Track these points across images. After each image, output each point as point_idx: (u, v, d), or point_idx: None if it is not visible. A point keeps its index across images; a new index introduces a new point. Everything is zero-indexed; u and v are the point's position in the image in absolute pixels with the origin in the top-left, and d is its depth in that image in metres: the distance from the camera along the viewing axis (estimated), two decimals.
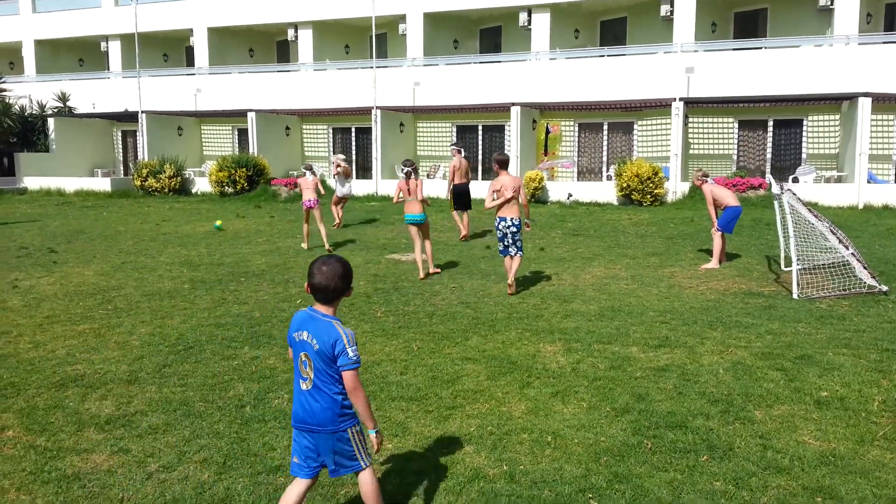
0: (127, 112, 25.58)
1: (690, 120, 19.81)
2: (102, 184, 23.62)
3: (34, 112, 26.53)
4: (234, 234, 14.15)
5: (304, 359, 3.14)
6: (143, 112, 24.32)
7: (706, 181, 10.41)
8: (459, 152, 13.77)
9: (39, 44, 30.77)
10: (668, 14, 21.32)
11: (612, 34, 24.05)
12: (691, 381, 5.29)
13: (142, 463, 4.04)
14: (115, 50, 29.44)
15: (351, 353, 3.05)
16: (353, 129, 24.03)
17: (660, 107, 19.42)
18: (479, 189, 18.41)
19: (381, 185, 21.50)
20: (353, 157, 24.19)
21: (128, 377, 5.48)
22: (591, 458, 4.06)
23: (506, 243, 8.46)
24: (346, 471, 3.19)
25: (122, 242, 12.95)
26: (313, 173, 12.68)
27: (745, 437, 4.29)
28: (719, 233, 9.98)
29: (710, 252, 10.50)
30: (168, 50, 30.69)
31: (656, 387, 5.16)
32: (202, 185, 23.16)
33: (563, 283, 8.99)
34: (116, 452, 4.17)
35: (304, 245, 12.29)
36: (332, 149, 24.64)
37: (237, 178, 21.43)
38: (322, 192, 12.65)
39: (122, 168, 27.54)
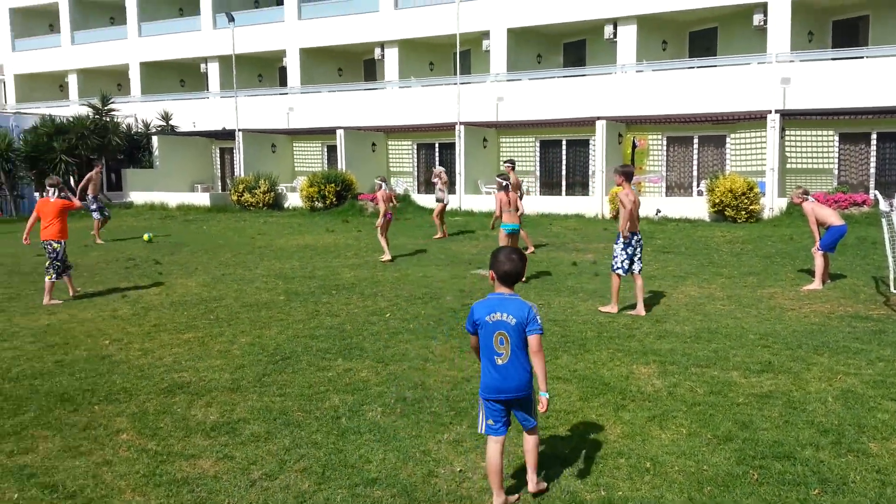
0: (225, 130, 26.85)
1: (787, 133, 18.98)
2: (202, 198, 24.83)
3: (139, 130, 28.22)
4: (325, 248, 14.54)
5: (500, 337, 3.66)
6: (239, 130, 25.45)
7: (807, 199, 9.92)
8: (513, 170, 13.85)
9: (145, 66, 32.78)
10: (762, 23, 20.58)
11: (703, 45, 23.41)
12: (798, 409, 5.04)
13: (245, 470, 4.19)
14: (213, 71, 31.01)
15: (538, 321, 3.70)
16: (437, 145, 24.32)
17: (754, 119, 18.72)
18: (557, 204, 18.26)
19: (464, 199, 21.63)
20: None
21: (230, 385, 5.71)
22: (693, 486, 3.92)
23: (634, 259, 8.14)
24: (530, 424, 3.83)
25: (222, 255, 13.54)
26: (388, 186, 12.93)
27: (861, 471, 4.05)
28: (821, 252, 9.48)
29: (811, 272, 10.00)
30: (262, 70, 32.06)
31: (760, 414, 4.95)
32: (293, 200, 23.95)
33: (655, 303, 8.76)
34: (222, 459, 4.35)
35: (386, 257, 12.48)
36: (416, 164, 25.03)
37: (326, 194, 22.06)
38: (396, 204, 13.03)
39: (219, 183, 28.88)
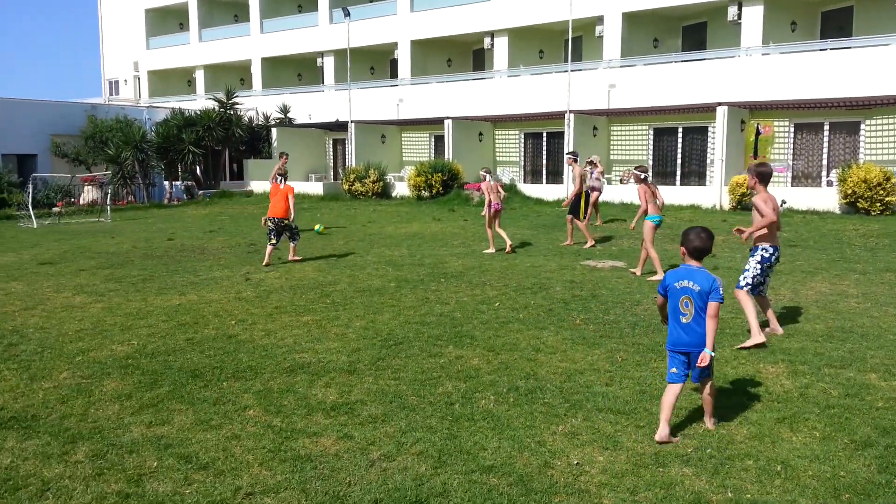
0: (338, 122, 27.72)
1: None
2: (316, 188, 25.78)
3: (260, 123, 29.63)
4: (432, 236, 14.72)
5: (685, 300, 4.40)
6: (351, 121, 26.19)
7: None
8: (576, 161, 13.35)
9: (265, 61, 34.34)
10: None
11: (836, 25, 21.76)
12: None
13: (364, 450, 4.30)
14: (329, 65, 32.05)
15: (721, 292, 4.37)
16: (545, 134, 24.02)
17: (892, 104, 17.23)
18: (672, 194, 17.57)
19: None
20: (544, 161, 24.18)
21: (347, 367, 5.89)
22: (828, 493, 3.67)
23: (765, 279, 6.73)
24: (706, 375, 4.47)
25: (335, 242, 14.00)
26: (494, 177, 12.74)
27: None
28: None
29: None
30: (374, 63, 32.81)
31: None
32: (401, 189, 24.41)
33: (782, 299, 8.26)
34: (342, 438, 4.49)
35: (490, 249, 12.35)
36: (522, 153, 24.83)
37: (433, 183, 22.32)
38: (503, 194, 12.85)
39: (332, 173, 29.87)
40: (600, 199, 16.66)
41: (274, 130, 28.53)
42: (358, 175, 24.28)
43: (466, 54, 30.98)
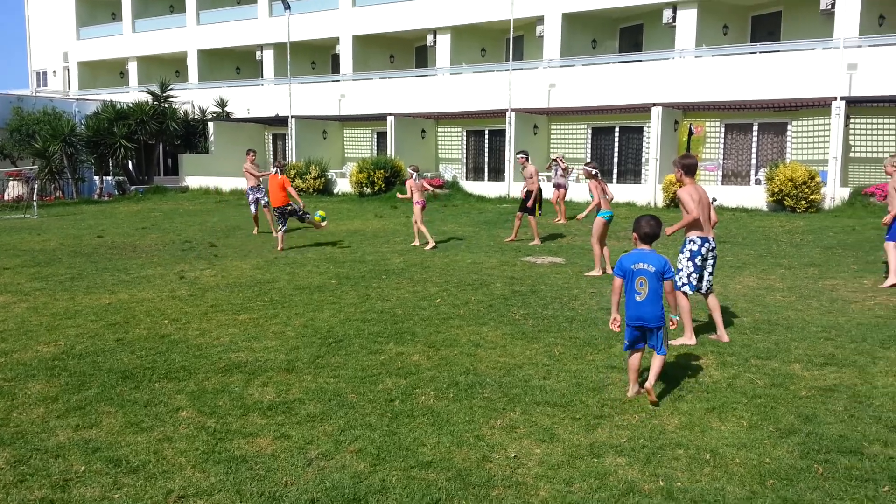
0: (278, 116, 27.24)
1: (852, 120, 18.24)
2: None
3: (196, 116, 28.85)
4: (373, 233, 14.65)
5: (640, 281, 4.88)
6: (292, 117, 25.79)
7: None
8: (527, 160, 13.61)
9: (202, 53, 33.46)
10: (829, 7, 19.72)
11: (766, 30, 22.62)
12: (864, 403, 4.85)
13: (302, 449, 4.25)
14: (268, 58, 31.45)
15: (672, 271, 5.02)
16: (487, 132, 24.20)
17: (817, 106, 18.04)
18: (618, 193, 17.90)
19: (513, 187, 21.49)
20: (486, 159, 24.36)
21: (286, 366, 5.80)
22: (755, 479, 3.81)
23: (704, 273, 6.49)
24: (660, 350, 4.96)
25: (274, 239, 13.77)
26: (419, 175, 12.89)
27: None
28: (893, 243, 8.97)
29: (881, 265, 9.60)
30: (316, 58, 32.38)
31: (824, 408, 4.78)
32: (343, 185, 24.18)
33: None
34: (279, 438, 4.42)
35: (430, 244, 12.41)
36: (465, 150, 24.94)
37: (375, 180, 22.20)
38: (432, 191, 13.19)
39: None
40: (567, 198, 17.06)
41: (211, 124, 27.85)
42: (299, 171, 23.92)
43: (409, 51, 30.91)
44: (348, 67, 28.80)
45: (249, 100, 29.58)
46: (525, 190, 13.36)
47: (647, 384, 4.88)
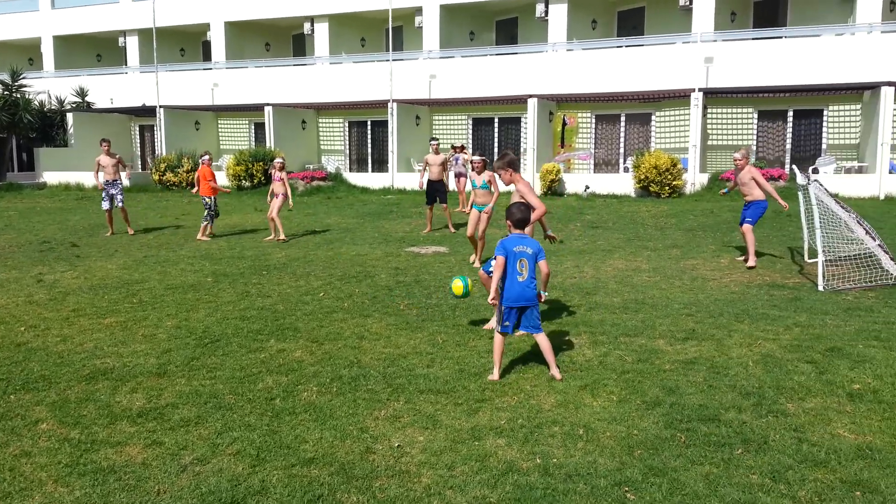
0: (145, 107, 25.75)
1: (709, 110, 19.63)
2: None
3: (53, 107, 26.75)
4: (254, 227, 14.20)
5: (522, 262, 5.16)
6: (160, 107, 24.45)
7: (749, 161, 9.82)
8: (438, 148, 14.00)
9: (58, 40, 31.00)
10: (688, 3, 21.09)
11: (630, 24, 23.85)
12: (721, 373, 5.25)
13: (176, 455, 4.06)
14: (132, 45, 29.60)
15: (543, 251, 5.31)
16: (369, 122, 24.04)
17: (678, 97, 19.26)
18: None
19: (397, 178, 21.51)
20: (369, 150, 24.21)
21: (157, 370, 5.52)
22: (624, 451, 4.04)
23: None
24: (537, 328, 5.25)
25: (143, 237, 13.04)
26: (282, 168, 12.68)
27: (780, 431, 4.25)
28: (750, 226, 9.44)
29: (736, 247, 10.39)
30: (185, 44, 30.81)
31: (686, 380, 5.13)
32: (219, 179, 23.19)
33: (585, 276, 8.95)
34: (150, 445, 4.20)
35: (281, 237, 12.23)
36: (347, 141, 24.66)
37: (254, 172, 21.52)
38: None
39: (139, 163, 27.74)
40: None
41: (70, 116, 25.90)
42: (170, 164, 22.77)
43: (286, 39, 30.08)
44: (221, 55, 27.64)
45: (112, 89, 27.75)
46: (427, 179, 13.55)
47: (555, 373, 5.16)
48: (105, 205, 13.56)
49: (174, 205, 18.74)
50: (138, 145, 27.91)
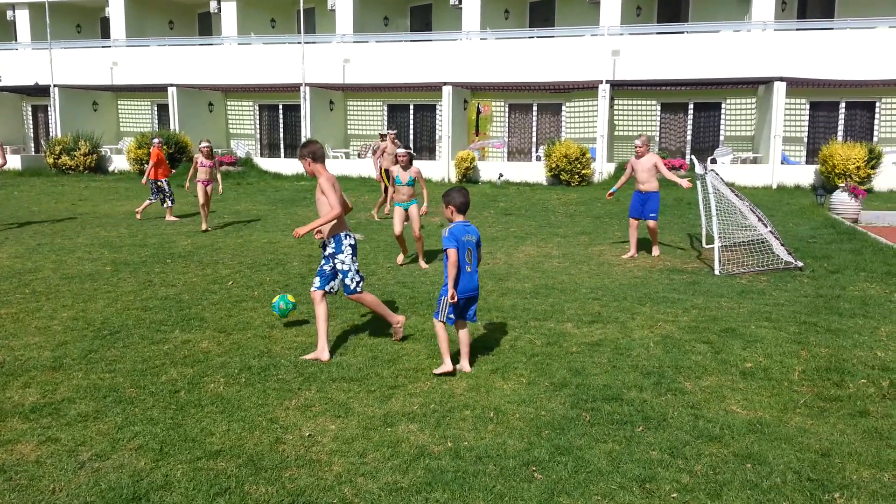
0: (37, 85, 24.13)
1: (616, 102, 20.27)
2: (12, 161, 22.23)
3: None
4: (157, 214, 13.63)
5: (469, 251, 5.04)
6: (55, 86, 22.99)
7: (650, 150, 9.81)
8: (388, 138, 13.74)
9: None
10: None
11: (542, 16, 24.24)
12: (624, 355, 5.47)
13: (73, 452, 3.87)
14: (22, 19, 27.58)
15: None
16: (281, 106, 23.47)
17: (587, 89, 19.79)
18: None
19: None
20: (281, 134, 23.65)
21: (52, 364, 5.22)
22: (532, 431, 4.15)
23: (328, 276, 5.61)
24: (473, 318, 5.22)
25: (36, 224, 12.27)
26: (210, 153, 12.24)
27: (678, 408, 4.47)
28: (655, 221, 9.43)
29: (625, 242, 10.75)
30: (82, 20, 28.99)
31: (591, 361, 5.31)
32: (120, 163, 22.17)
33: (498, 262, 9.09)
34: (44, 442, 3.98)
35: (204, 226, 11.77)
36: (258, 126, 23.99)
37: None
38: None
39: (32, 145, 26.01)
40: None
41: None
42: (65, 147, 21.49)
43: (191, 18, 28.84)
44: (121, 32, 26.18)
45: (2, 66, 25.83)
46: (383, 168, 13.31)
47: (465, 365, 5.10)
48: None
49: (70, 190, 17.71)
50: (31, 126, 26.16)
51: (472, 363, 5.21)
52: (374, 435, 4.09)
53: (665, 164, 9.72)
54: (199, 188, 11.91)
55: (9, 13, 27.93)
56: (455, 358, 5.18)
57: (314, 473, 3.66)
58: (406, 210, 9.06)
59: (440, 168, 20.01)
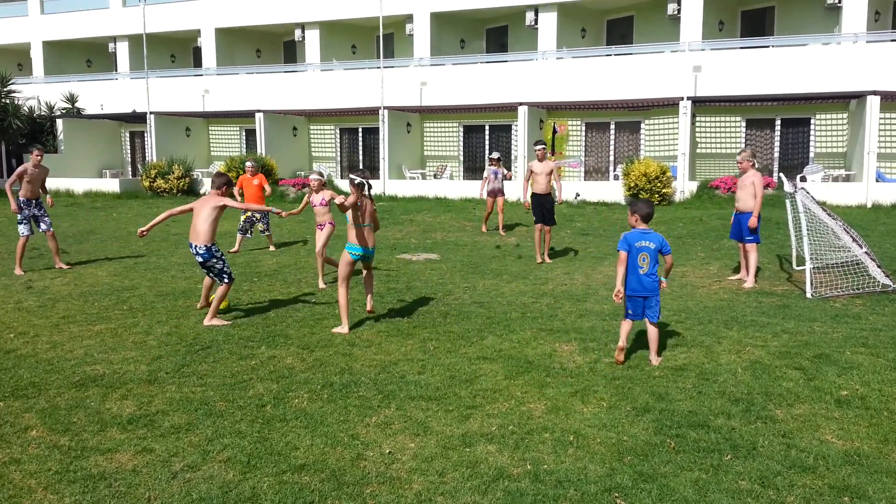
0: (135, 113, 25.68)
1: (698, 119, 19.77)
2: (111, 185, 23.70)
3: (42, 113, 26.62)
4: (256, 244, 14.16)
5: (643, 256, 5.63)
6: (151, 113, 24.39)
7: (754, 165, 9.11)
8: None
9: (48, 45, 30.89)
10: (676, 13, 21.28)
11: (619, 33, 24.03)
12: (710, 380, 5.29)
13: (166, 462, 4.06)
14: (122, 51, 29.54)
15: (669, 245, 5.74)
16: (360, 130, 24.07)
17: (667, 106, 19.40)
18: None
19: (388, 185, 21.53)
20: (360, 157, 24.23)
21: (147, 377, 5.50)
22: (614, 457, 4.06)
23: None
24: (654, 318, 5.75)
25: (134, 243, 13.00)
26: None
27: (768, 437, 4.29)
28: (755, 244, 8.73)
29: (729, 256, 10.43)
30: (176, 50, 30.77)
31: (675, 386, 5.17)
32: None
33: (575, 283, 8.99)
34: (140, 452, 4.19)
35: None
36: (339, 149, 24.66)
37: None
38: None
39: (130, 169, 27.63)
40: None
41: (59, 122, 25.77)
42: (160, 171, 22.68)
43: (277, 46, 30.10)
44: (212, 61, 27.62)
45: (103, 95, 27.66)
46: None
47: (654, 360, 5.67)
48: (24, 230, 10.12)
49: (164, 211, 18.65)
50: (129, 152, 27.82)
51: (548, 385, 5.16)
52: (453, 455, 4.11)
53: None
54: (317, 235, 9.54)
55: (110, 46, 29.94)
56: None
57: (394, 491, 3.71)
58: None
59: (516, 188, 19.98)
